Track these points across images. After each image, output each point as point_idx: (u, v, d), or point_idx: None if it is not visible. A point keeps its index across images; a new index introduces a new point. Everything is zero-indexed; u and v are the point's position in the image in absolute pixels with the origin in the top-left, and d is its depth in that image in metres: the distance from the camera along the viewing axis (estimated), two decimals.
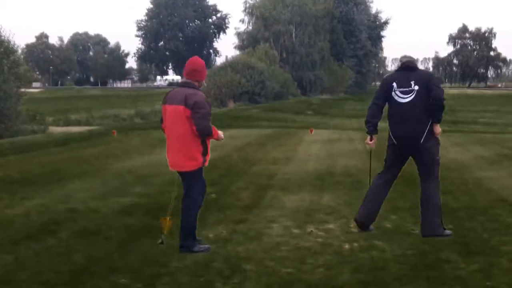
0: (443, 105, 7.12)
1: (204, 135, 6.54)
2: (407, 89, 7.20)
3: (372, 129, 7.51)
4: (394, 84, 7.31)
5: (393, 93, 7.30)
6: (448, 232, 7.26)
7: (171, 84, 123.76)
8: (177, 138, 6.60)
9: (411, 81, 7.19)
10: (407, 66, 7.38)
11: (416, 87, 7.14)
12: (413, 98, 7.16)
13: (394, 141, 7.38)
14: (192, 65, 6.76)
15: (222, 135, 6.82)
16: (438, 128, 7.22)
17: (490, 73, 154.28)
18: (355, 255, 6.45)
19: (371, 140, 7.59)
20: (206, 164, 6.73)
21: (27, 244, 7.08)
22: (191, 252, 6.62)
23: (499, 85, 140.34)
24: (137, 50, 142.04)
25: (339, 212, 8.73)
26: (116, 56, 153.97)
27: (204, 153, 6.64)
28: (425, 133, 7.14)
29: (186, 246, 6.67)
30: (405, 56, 7.53)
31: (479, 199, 9.64)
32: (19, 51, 33.56)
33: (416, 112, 7.13)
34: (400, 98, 7.24)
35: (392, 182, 7.64)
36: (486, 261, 6.15)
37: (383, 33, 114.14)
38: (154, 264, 6.21)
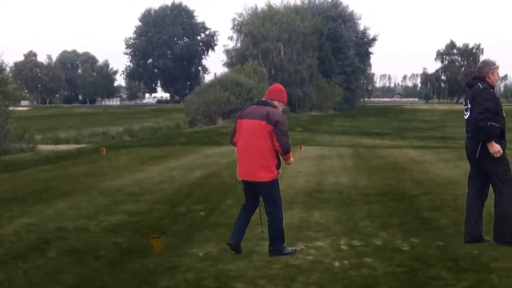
0: (477, 126, 7.14)
1: (284, 150, 7.16)
2: (467, 107, 7.49)
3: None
4: (463, 102, 7.66)
5: (464, 110, 7.61)
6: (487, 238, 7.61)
7: (160, 101, 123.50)
8: (255, 150, 7.10)
9: (468, 99, 7.46)
10: (468, 83, 7.67)
11: (469, 105, 7.39)
12: (469, 115, 7.42)
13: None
14: (274, 86, 7.53)
15: (292, 159, 7.43)
16: (490, 147, 7.17)
17: None
18: (346, 273, 6.44)
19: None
20: (277, 176, 7.26)
21: (16, 264, 7.04)
22: (281, 255, 7.13)
23: None
24: (126, 68, 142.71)
25: (329, 230, 8.73)
26: (105, 74, 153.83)
27: (278, 166, 7.25)
28: (479, 149, 7.30)
29: (277, 250, 7.20)
30: (477, 69, 7.69)
31: None
32: (8, 69, 33.52)
33: (471, 129, 7.35)
34: (466, 115, 7.55)
35: (482, 191, 7.75)
36: (476, 277, 6.15)
37: (371, 49, 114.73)
38: (144, 283, 6.17)
